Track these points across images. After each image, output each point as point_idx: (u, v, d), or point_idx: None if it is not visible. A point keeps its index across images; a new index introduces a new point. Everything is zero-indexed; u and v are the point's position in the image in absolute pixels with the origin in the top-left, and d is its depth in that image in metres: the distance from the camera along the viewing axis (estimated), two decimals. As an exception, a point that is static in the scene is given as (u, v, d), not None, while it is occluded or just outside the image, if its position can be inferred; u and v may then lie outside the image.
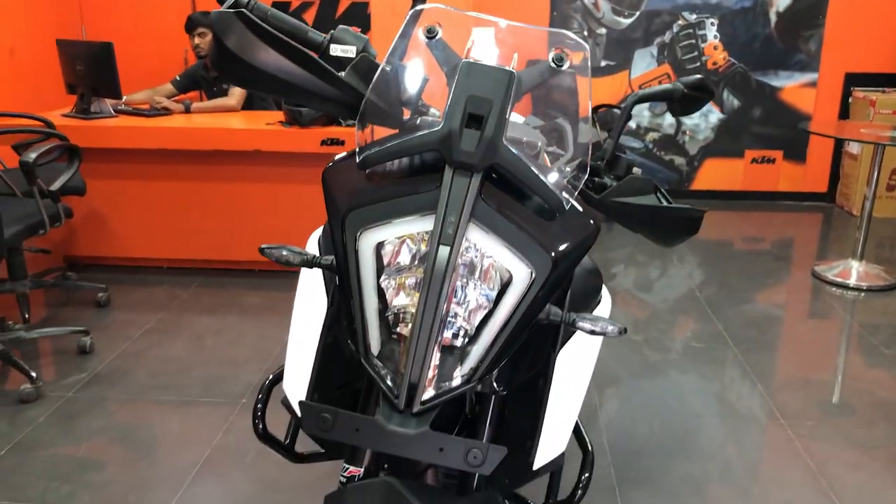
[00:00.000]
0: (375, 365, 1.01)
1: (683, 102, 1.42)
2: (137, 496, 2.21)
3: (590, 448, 1.40)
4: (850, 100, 5.17)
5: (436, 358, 1.00)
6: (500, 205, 1.02)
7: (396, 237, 1.03)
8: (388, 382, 0.99)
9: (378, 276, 1.04)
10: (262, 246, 1.10)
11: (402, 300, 1.04)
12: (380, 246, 1.04)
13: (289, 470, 2.32)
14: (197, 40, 4.21)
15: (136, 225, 3.88)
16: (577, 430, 1.43)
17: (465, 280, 1.02)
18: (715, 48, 5.19)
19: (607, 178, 1.34)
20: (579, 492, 1.37)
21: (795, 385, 2.85)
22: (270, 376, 1.49)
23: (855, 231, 3.98)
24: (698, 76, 1.43)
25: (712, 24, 5.14)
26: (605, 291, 1.43)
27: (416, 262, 1.04)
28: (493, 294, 1.03)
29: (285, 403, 1.35)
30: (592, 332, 1.08)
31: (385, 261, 1.04)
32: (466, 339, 1.03)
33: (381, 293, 1.04)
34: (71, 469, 2.32)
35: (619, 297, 3.70)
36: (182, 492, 2.22)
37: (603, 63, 5.26)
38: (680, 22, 5.16)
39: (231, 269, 4.00)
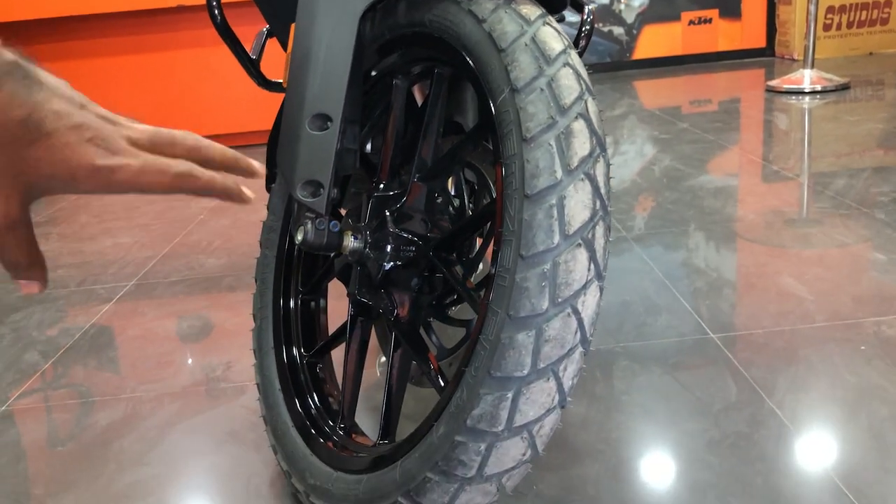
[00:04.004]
0: None
1: None
2: (90, 284, 2.00)
3: (584, 4, 1.26)
4: (776, -53, 5.19)
5: None
6: None
7: None
8: None
9: None
10: None
11: None
12: None
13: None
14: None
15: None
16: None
17: None
18: (640, -90, 5.15)
19: None
20: (582, 42, 1.24)
21: (768, 143, 2.79)
22: None
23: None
24: None
25: None
26: None
27: None
28: None
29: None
30: None
31: None
32: None
33: None
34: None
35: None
36: (146, 270, 2.02)
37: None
38: None
39: (171, 152, 3.76)
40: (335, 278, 1.07)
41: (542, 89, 0.74)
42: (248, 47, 1.31)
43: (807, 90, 3.79)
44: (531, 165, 0.72)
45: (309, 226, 0.87)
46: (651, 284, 1.63)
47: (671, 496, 0.98)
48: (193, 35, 3.51)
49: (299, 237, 0.88)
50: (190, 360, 1.49)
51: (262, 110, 3.59)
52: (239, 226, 2.37)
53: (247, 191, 0.55)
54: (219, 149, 0.55)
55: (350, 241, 0.91)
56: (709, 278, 1.64)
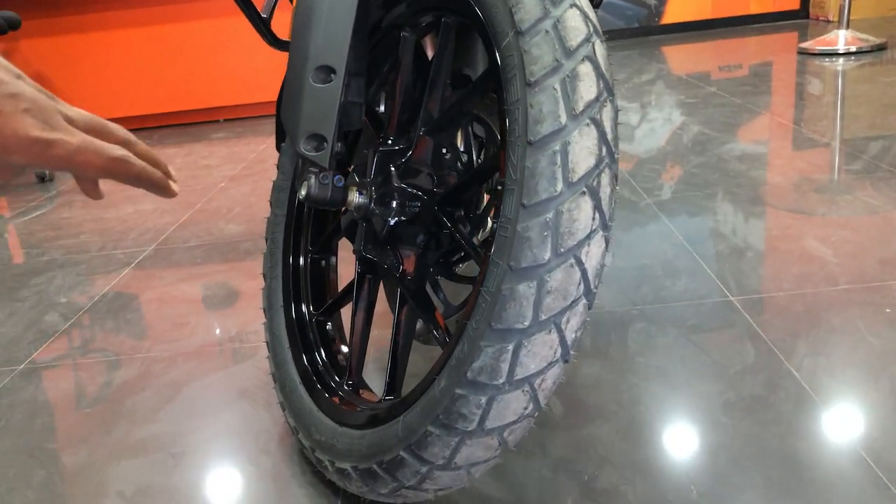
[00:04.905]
0: None
1: None
2: (117, 241, 2.01)
3: None
4: None
5: None
6: None
7: None
8: None
9: None
10: None
11: None
12: None
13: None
14: None
15: (82, 81, 3.62)
16: None
17: None
18: None
19: None
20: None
21: (799, 107, 2.71)
22: None
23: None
24: None
25: None
26: None
27: None
28: None
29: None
30: None
31: None
32: None
33: None
34: (55, 230, 2.12)
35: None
36: (166, 236, 2.03)
37: None
38: None
39: (192, 123, 3.77)
40: (344, 236, 1.06)
41: (547, 31, 0.71)
42: (259, 8, 1.29)
43: (841, 51, 3.68)
44: (535, 110, 0.69)
45: (312, 180, 0.86)
46: (671, 248, 1.60)
47: (682, 457, 0.96)
48: (207, 6, 3.50)
49: (302, 192, 0.86)
50: (205, 322, 1.49)
51: (274, 82, 3.58)
52: (259, 193, 2.37)
53: (174, 185, 0.57)
54: (144, 146, 0.56)
55: (355, 197, 0.90)
56: (731, 242, 1.60)
